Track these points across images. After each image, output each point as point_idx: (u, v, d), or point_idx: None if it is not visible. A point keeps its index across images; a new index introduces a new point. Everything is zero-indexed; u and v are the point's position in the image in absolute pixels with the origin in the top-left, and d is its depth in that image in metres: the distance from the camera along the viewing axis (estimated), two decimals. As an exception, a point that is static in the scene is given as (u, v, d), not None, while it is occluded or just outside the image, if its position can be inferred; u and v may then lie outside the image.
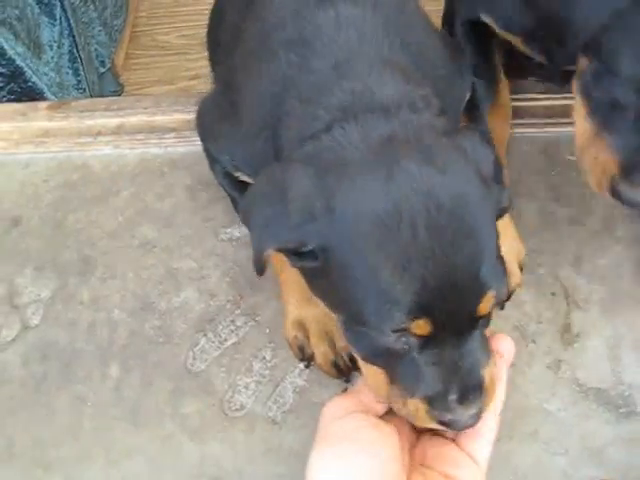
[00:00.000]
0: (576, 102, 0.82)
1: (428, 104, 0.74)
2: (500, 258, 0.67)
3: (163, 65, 2.41)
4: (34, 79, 1.61)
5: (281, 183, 0.67)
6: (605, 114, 0.78)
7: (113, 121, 1.14)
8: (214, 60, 1.09)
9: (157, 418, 0.86)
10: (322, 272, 0.67)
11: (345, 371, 0.85)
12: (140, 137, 1.12)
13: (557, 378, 0.87)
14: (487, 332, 0.69)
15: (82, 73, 1.95)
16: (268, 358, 0.89)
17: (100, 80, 2.10)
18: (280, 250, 0.68)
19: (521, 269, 0.92)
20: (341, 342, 0.83)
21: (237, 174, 0.89)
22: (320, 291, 0.71)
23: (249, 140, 0.82)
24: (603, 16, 0.72)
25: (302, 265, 0.69)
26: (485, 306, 0.65)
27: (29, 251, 1.01)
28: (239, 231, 1.00)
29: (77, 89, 1.90)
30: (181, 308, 0.94)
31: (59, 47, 1.85)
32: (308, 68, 0.76)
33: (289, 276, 0.86)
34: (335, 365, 0.85)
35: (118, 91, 2.18)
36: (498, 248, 0.67)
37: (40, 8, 1.79)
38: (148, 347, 0.92)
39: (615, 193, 0.79)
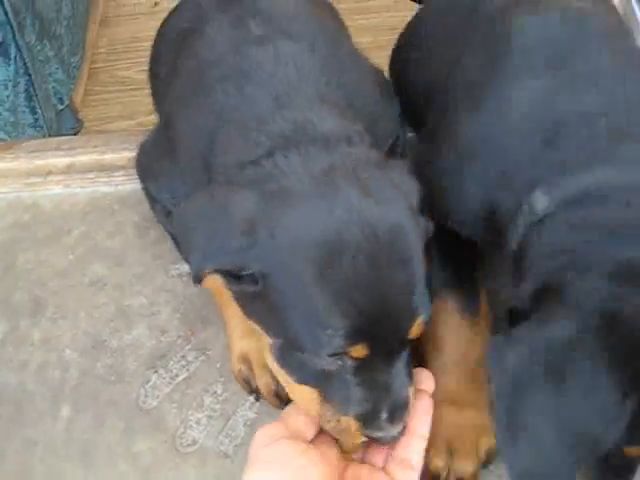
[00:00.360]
0: None
1: (362, 138, 0.77)
2: (428, 285, 0.70)
3: (123, 100, 2.42)
4: (-13, 120, 1.60)
5: (224, 205, 0.69)
6: None
7: (63, 160, 1.16)
8: (155, 94, 1.10)
9: (109, 458, 0.86)
10: (260, 296, 0.69)
11: (287, 400, 0.85)
12: (90, 176, 1.13)
13: None
14: None
15: (39, 111, 1.96)
16: (219, 392, 0.90)
17: (58, 117, 2.10)
18: (218, 272, 0.69)
19: None
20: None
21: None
22: (256, 315, 0.73)
23: (188, 175, 0.84)
24: None
25: (240, 289, 0.71)
26: (415, 330, 0.68)
27: (-21, 293, 1.01)
28: (189, 267, 1.00)
29: (34, 127, 1.90)
30: (132, 345, 0.95)
31: (14, 86, 1.85)
32: (247, 98, 0.78)
33: (234, 312, 0.87)
34: (277, 394, 0.85)
35: (77, 127, 2.18)
36: (427, 276, 0.69)
37: (-6, 48, 1.80)
38: (100, 386, 0.92)
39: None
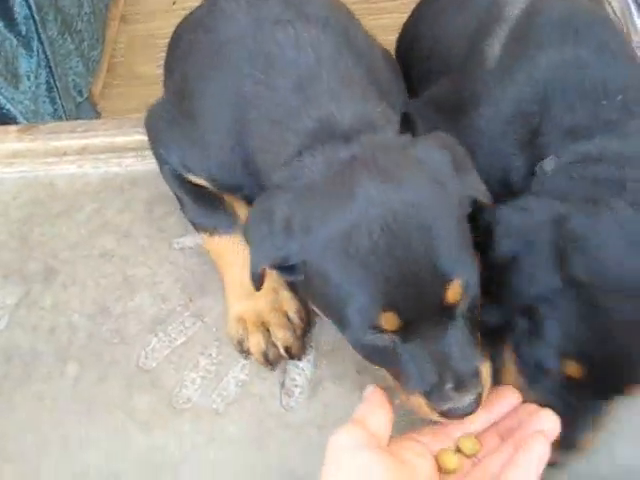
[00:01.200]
0: (506, 356, 0.83)
1: (387, 120, 0.82)
2: (467, 250, 0.74)
3: (139, 94, 2.50)
4: (8, 106, 1.69)
5: (268, 209, 0.77)
6: (531, 372, 0.80)
7: (78, 142, 1.23)
8: (168, 69, 1.16)
9: (109, 411, 0.93)
10: (307, 284, 0.76)
11: (273, 361, 0.92)
12: (103, 157, 1.21)
13: None
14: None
15: (59, 102, 2.04)
16: (214, 355, 0.97)
17: (77, 109, 2.19)
18: (271, 267, 0.77)
19: None
20: (278, 334, 0.91)
21: (188, 175, 0.98)
22: (313, 301, 0.80)
23: (209, 146, 0.91)
24: (543, 290, 0.76)
25: (292, 279, 0.78)
26: (453, 294, 0.71)
27: (-4, 262, 1.09)
28: (190, 241, 1.08)
29: (53, 117, 1.99)
30: (135, 311, 1.02)
31: (36, 78, 1.94)
32: (272, 86, 0.84)
33: (232, 277, 0.95)
34: (265, 355, 0.92)
35: (95, 119, 2.27)
36: (464, 241, 0.74)
37: (18, 40, 1.89)
38: (104, 347, 0.99)
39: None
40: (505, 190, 0.89)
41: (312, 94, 0.82)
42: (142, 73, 2.55)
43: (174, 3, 2.86)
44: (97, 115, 2.28)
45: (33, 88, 1.93)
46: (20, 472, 0.90)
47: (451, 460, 0.74)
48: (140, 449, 0.90)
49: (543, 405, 0.76)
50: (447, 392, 0.71)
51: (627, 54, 0.93)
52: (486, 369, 0.74)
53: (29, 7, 1.87)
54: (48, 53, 1.98)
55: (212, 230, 0.98)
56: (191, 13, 1.11)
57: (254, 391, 0.93)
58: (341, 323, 0.74)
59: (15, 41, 1.88)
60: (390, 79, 0.98)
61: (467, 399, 0.71)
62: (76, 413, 0.94)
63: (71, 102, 2.15)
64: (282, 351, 0.91)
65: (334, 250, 0.71)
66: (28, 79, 1.92)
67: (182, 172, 0.98)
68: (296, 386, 0.93)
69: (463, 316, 0.73)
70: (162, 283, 1.04)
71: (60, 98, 2.04)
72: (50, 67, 1.99)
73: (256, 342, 0.92)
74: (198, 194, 0.98)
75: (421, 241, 0.70)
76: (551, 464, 0.74)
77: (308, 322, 0.95)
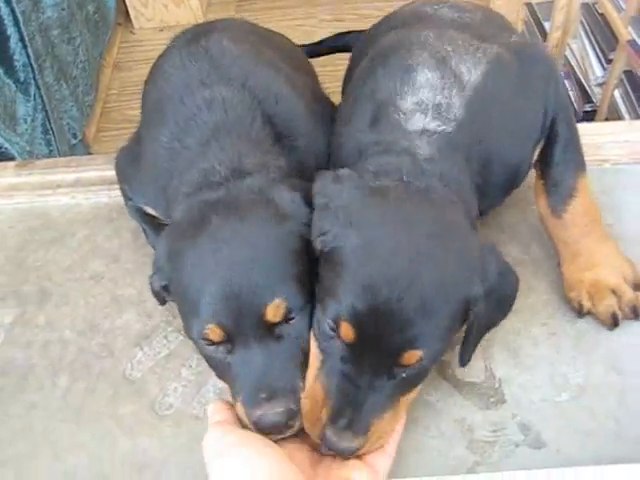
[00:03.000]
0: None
1: (264, 168, 0.94)
2: (296, 277, 0.84)
3: (131, 137, 2.60)
4: (6, 146, 1.79)
5: (157, 248, 0.96)
6: (322, 339, 0.83)
7: (71, 176, 1.33)
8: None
9: (97, 419, 1.01)
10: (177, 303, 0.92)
11: None
12: (94, 189, 1.31)
13: (437, 375, 1.02)
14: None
15: (54, 144, 2.16)
16: (194, 366, 1.05)
17: (72, 150, 2.31)
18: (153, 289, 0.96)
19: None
20: None
21: (146, 209, 1.11)
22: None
23: (150, 185, 1.04)
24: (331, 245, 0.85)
25: (168, 299, 0.97)
26: (273, 313, 0.82)
27: (-6, 285, 1.18)
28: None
29: (49, 158, 2.10)
30: (122, 327, 1.10)
31: (33, 121, 2.06)
32: (183, 142, 0.98)
33: None
34: None
35: (88, 160, 2.38)
36: (296, 269, 0.85)
37: (16, 86, 2.01)
38: (93, 360, 1.07)
39: (323, 438, 0.80)
40: None
41: (208, 150, 0.96)
42: (133, 117, 2.66)
43: (165, 52, 3.00)
44: (90, 156, 2.40)
45: (30, 131, 2.04)
46: (14, 475, 0.96)
47: None
48: (125, 452, 0.97)
49: (326, 387, 0.81)
50: (260, 400, 0.81)
51: None
52: (299, 386, 0.83)
53: (28, 55, 2.00)
54: (44, 98, 2.10)
55: None
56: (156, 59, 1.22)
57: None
58: (188, 334, 0.89)
59: (14, 86, 2.00)
60: (301, 127, 1.06)
61: (277, 409, 0.80)
62: (66, 421, 1.01)
63: (65, 144, 2.27)
64: None
65: (185, 273, 0.86)
66: (25, 122, 2.04)
67: (143, 207, 1.11)
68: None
69: (290, 338, 0.84)
70: (147, 302, 1.12)
71: (55, 140, 2.15)
72: (46, 111, 2.11)
73: None
74: (157, 226, 1.11)
75: (247, 265, 0.82)
76: (337, 452, 0.81)
77: None
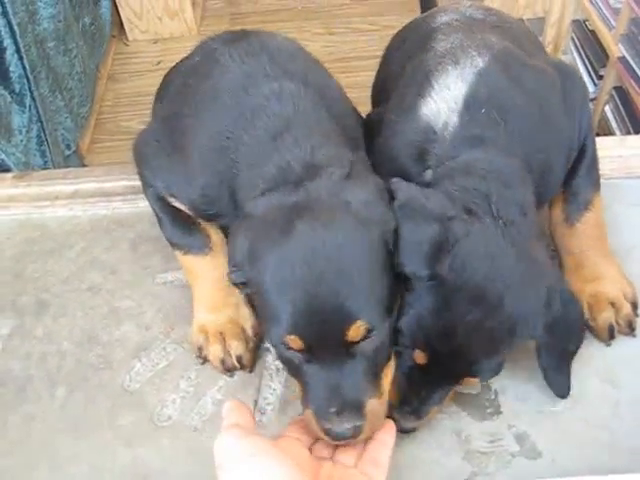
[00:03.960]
0: None
1: (339, 163, 0.92)
2: (379, 295, 0.83)
3: (125, 148, 2.62)
4: (2, 157, 1.80)
5: (234, 235, 0.93)
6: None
7: (69, 188, 1.34)
8: (157, 101, 1.26)
9: (96, 430, 1.01)
10: (252, 299, 0.92)
11: (230, 368, 1.04)
12: (92, 200, 1.31)
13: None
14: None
15: (49, 155, 2.17)
16: (192, 377, 1.05)
17: (65, 161, 2.32)
18: (231, 280, 0.92)
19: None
20: (232, 344, 1.03)
21: (170, 199, 1.08)
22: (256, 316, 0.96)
23: (196, 179, 1.02)
24: (411, 276, 0.87)
25: (245, 292, 0.94)
26: (354, 334, 0.81)
27: (-8, 296, 1.18)
28: (172, 276, 1.18)
29: (43, 169, 2.10)
30: (121, 339, 1.11)
31: (28, 132, 2.07)
32: (253, 134, 0.96)
33: (200, 291, 1.08)
34: (223, 362, 1.03)
35: (82, 171, 2.38)
36: (380, 285, 0.84)
37: (12, 97, 2.02)
38: (91, 372, 1.07)
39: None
40: None
41: (281, 143, 0.94)
42: (127, 128, 2.68)
43: (159, 63, 3.03)
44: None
45: (25, 142, 2.05)
46: (12, 486, 0.97)
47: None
48: (124, 463, 0.98)
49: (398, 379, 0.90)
50: (330, 414, 0.83)
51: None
52: (371, 403, 0.84)
53: (23, 67, 2.01)
54: (40, 109, 2.11)
55: (186, 250, 1.09)
56: (183, 60, 1.21)
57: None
58: (267, 335, 0.90)
59: (9, 98, 2.01)
60: (355, 127, 1.09)
61: (345, 425, 0.83)
62: (64, 432, 1.01)
63: (60, 155, 2.27)
64: (234, 360, 1.03)
65: (267, 276, 0.85)
66: (20, 133, 2.04)
67: (165, 196, 1.08)
68: (268, 404, 1.02)
69: (365, 354, 0.84)
70: (145, 314, 1.13)
71: (50, 152, 2.16)
72: (41, 122, 2.12)
73: (214, 350, 1.03)
74: (177, 217, 1.09)
75: (333, 281, 0.81)
76: (400, 431, 0.91)
77: (261, 338, 1.05)
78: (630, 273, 1.09)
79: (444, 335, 0.85)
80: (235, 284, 0.93)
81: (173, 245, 1.11)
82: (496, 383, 1.03)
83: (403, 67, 1.11)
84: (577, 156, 1.09)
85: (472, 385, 0.93)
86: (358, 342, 0.82)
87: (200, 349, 1.05)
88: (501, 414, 1.00)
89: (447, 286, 0.85)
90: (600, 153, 1.30)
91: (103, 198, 1.31)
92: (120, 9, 3.18)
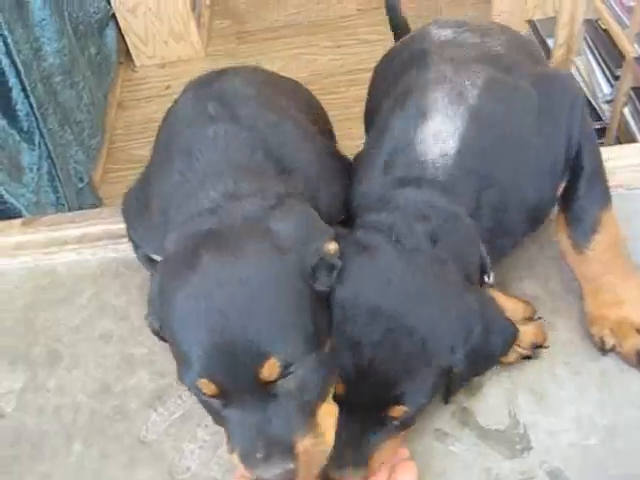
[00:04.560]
0: None
1: (262, 192, 0.88)
2: (297, 327, 0.77)
3: (138, 177, 2.59)
4: (12, 200, 1.79)
5: (152, 280, 0.89)
6: None
7: (77, 231, 1.32)
8: None
9: (114, 486, 0.99)
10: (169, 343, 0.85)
11: None
12: (100, 243, 1.29)
13: (461, 425, 0.99)
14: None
15: (61, 190, 2.16)
16: (210, 425, 1.02)
17: (78, 195, 2.30)
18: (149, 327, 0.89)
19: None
20: None
21: (154, 257, 1.07)
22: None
23: (157, 229, 0.98)
24: None
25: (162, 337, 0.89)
26: (267, 372, 0.75)
27: (4, 348, 1.16)
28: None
29: (56, 205, 2.10)
30: (135, 388, 1.08)
31: (39, 169, 2.06)
32: (187, 177, 0.94)
33: None
34: None
35: (96, 204, 2.38)
36: (297, 317, 0.78)
37: (20, 136, 2.02)
38: (107, 424, 1.05)
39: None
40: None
41: (207, 181, 0.91)
42: (140, 157, 2.67)
43: (168, 87, 3.02)
44: (98, 200, 2.39)
45: (36, 179, 2.05)
46: None
47: None
48: (143, 520, 0.95)
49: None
50: (256, 460, 0.76)
51: None
52: (305, 446, 0.77)
53: (30, 105, 2.00)
54: (49, 145, 2.11)
55: None
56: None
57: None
58: (181, 382, 0.82)
59: (18, 137, 2.00)
60: (306, 167, 1.01)
61: (273, 470, 0.75)
62: (82, 489, 0.99)
63: (72, 189, 2.27)
64: None
65: (175, 316, 0.79)
66: (31, 171, 2.04)
67: (150, 255, 1.07)
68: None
69: (289, 393, 0.76)
70: (158, 361, 1.10)
71: (62, 187, 2.15)
72: (52, 158, 2.11)
73: None
74: None
75: (240, 316, 0.75)
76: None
77: None
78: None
79: (350, 353, 0.82)
80: (156, 332, 0.88)
81: None
82: (524, 416, 0.98)
83: (380, 103, 1.08)
84: (571, 172, 1.00)
85: (403, 416, 0.85)
86: (275, 381, 0.76)
87: None
88: (532, 450, 0.95)
89: (341, 303, 0.84)
90: (619, 162, 1.25)
91: (111, 240, 1.29)
92: (125, 36, 3.19)
